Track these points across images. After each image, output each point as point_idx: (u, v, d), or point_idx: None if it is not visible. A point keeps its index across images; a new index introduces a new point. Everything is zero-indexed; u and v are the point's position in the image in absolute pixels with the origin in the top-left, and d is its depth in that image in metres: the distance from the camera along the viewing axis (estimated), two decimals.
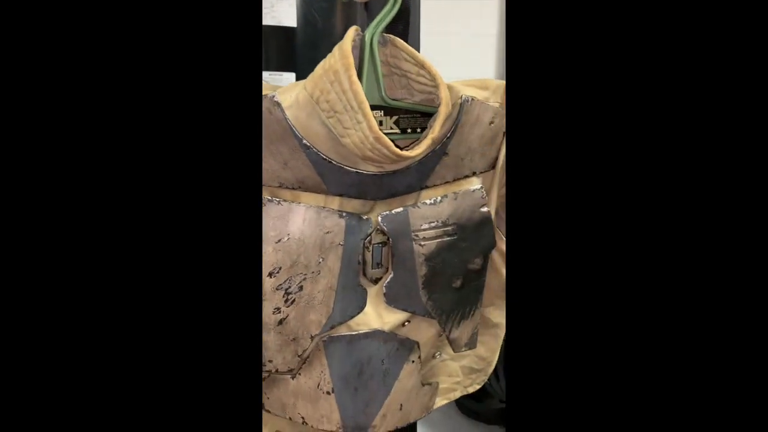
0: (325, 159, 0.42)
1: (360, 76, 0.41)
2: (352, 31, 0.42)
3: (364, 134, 0.40)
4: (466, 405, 0.98)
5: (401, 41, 0.45)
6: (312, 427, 0.49)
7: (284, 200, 0.43)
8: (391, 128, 0.48)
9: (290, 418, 0.49)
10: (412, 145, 0.44)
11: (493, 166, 0.49)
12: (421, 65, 0.44)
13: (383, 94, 0.46)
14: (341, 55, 0.40)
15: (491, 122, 0.46)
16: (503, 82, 0.48)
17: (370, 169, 0.43)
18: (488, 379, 0.82)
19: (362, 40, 0.44)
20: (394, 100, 0.47)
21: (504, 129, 0.48)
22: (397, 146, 0.41)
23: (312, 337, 0.46)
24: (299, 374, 0.47)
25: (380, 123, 0.47)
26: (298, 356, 0.46)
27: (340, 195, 0.44)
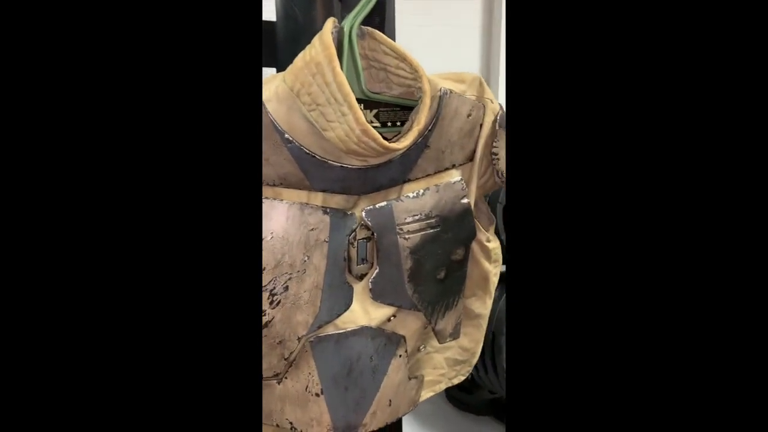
0: (309, 153, 0.41)
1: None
2: (330, 23, 0.41)
3: (350, 127, 0.39)
4: (456, 397, 0.99)
5: (380, 34, 0.45)
6: None
7: (265, 198, 0.41)
8: (371, 122, 0.47)
9: (277, 425, 0.47)
10: (396, 138, 0.44)
11: (471, 159, 0.50)
12: (402, 58, 0.44)
13: (363, 87, 0.45)
14: (323, 47, 0.39)
15: (469, 115, 0.47)
16: (478, 76, 0.49)
17: (354, 163, 0.43)
18: (477, 371, 0.84)
19: (340, 32, 0.43)
20: (374, 93, 0.46)
21: (481, 121, 0.49)
22: (385, 138, 0.41)
23: (299, 339, 0.44)
24: (286, 378, 0.46)
25: None
26: (285, 359, 0.45)
27: (324, 191, 0.43)
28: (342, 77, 0.38)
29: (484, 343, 0.82)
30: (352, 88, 0.39)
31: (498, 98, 0.49)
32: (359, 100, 0.46)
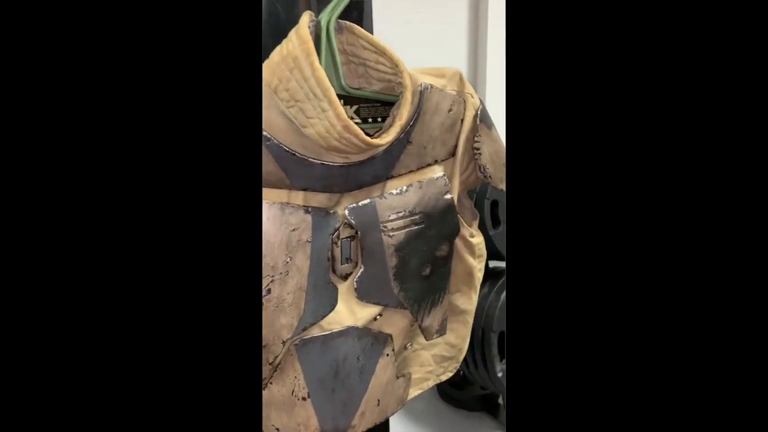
0: (288, 151, 0.40)
1: None
2: (306, 16, 0.40)
3: (331, 123, 0.38)
4: (448, 393, 0.99)
5: (359, 28, 0.44)
6: None
7: None
8: (352, 118, 0.47)
9: None
10: (378, 134, 0.43)
11: (453, 154, 0.49)
12: (382, 52, 0.43)
13: (343, 82, 0.44)
14: (300, 41, 0.37)
15: (450, 110, 0.47)
16: (458, 70, 0.48)
17: (336, 160, 0.42)
18: (467, 367, 0.84)
19: (317, 26, 0.42)
20: (354, 88, 0.45)
21: (462, 116, 0.48)
22: (366, 134, 0.40)
23: (283, 342, 0.43)
24: (271, 383, 0.44)
25: None
26: (270, 364, 0.43)
27: (305, 189, 0.42)
28: (321, 72, 0.37)
29: (473, 338, 0.82)
30: (331, 84, 0.38)
31: (485, 94, 0.49)
32: (339, 96, 0.45)
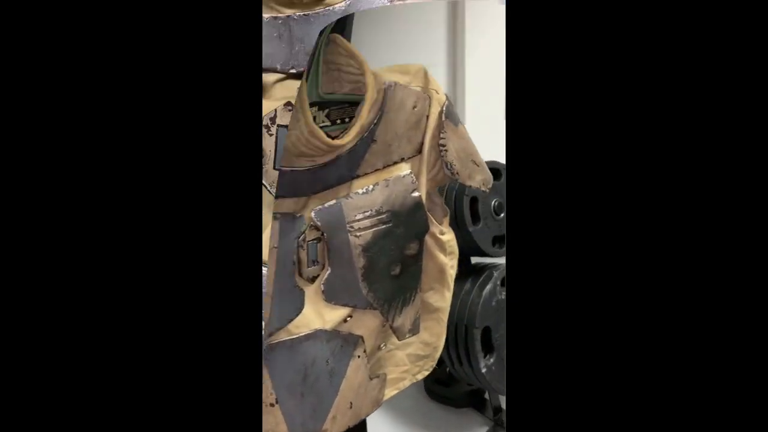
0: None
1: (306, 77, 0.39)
2: None
3: (301, 132, 0.38)
4: (434, 390, 0.99)
5: (341, 39, 0.43)
6: None
7: None
8: (323, 121, 0.46)
9: None
10: (341, 134, 0.43)
11: (419, 151, 0.49)
12: (351, 55, 0.43)
13: (320, 90, 0.44)
14: None
15: (414, 106, 0.46)
16: (423, 66, 0.48)
17: (304, 164, 0.41)
18: (452, 364, 0.84)
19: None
20: (327, 93, 0.45)
21: (427, 113, 0.48)
22: (329, 136, 0.40)
23: None
24: None
25: (314, 118, 0.45)
26: None
27: (276, 198, 0.41)
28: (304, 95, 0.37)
29: (457, 335, 0.82)
30: (311, 94, 0.38)
31: (464, 93, 0.48)
32: (314, 104, 0.44)
